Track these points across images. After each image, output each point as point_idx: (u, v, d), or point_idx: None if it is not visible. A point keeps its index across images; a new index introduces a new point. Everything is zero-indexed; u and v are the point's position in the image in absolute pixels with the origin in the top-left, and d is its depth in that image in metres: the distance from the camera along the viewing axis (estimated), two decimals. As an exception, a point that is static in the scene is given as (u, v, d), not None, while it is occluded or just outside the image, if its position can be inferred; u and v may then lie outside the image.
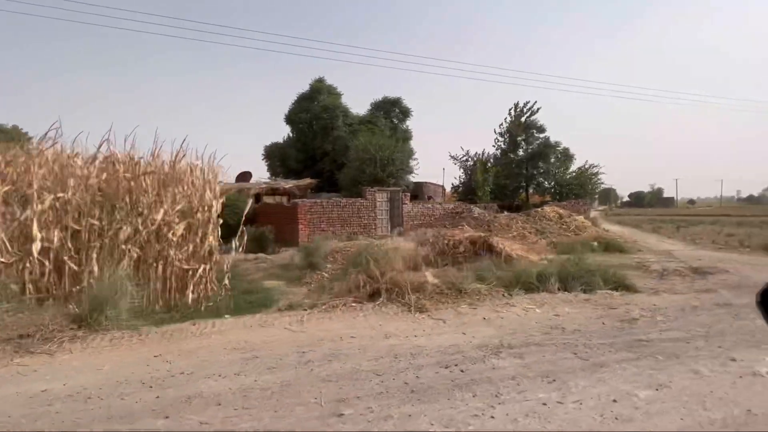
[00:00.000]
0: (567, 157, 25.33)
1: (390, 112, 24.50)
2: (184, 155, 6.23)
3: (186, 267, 6.17)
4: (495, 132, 26.27)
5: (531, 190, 24.65)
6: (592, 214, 50.31)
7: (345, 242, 10.94)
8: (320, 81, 24.65)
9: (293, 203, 12.97)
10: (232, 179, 20.20)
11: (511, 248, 8.58)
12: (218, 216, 7.56)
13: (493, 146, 26.40)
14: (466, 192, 25.04)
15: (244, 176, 20.67)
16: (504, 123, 26.01)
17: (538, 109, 25.50)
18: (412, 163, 27.37)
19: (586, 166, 23.52)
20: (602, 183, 24.29)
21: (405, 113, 25.20)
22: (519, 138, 25.45)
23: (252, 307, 5.71)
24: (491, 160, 25.42)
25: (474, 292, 4.90)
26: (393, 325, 3.94)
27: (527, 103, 25.47)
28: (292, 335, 3.60)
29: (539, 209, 18.51)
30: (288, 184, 16.71)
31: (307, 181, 17.75)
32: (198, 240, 6.45)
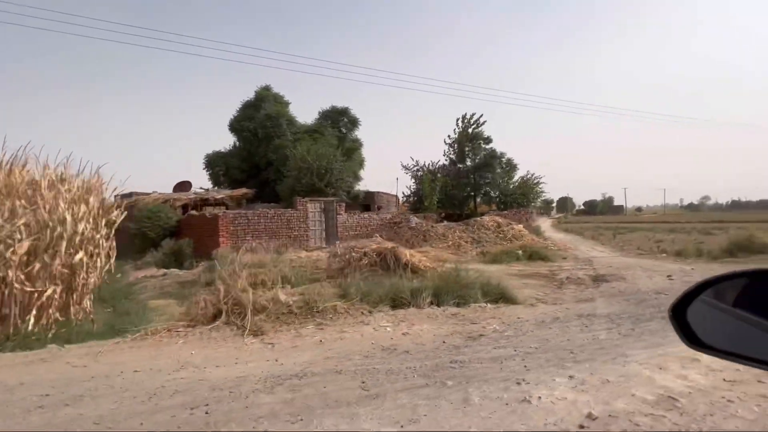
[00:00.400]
0: (511, 167, 26.02)
1: (338, 122, 24.29)
2: (25, 163, 5.60)
3: (29, 289, 5.52)
4: (445, 143, 26.60)
5: (479, 200, 25.02)
6: (546, 221, 52.14)
7: (264, 256, 10.40)
8: (266, 89, 24.13)
9: (213, 215, 12.33)
10: (169, 189, 19.20)
11: (419, 259, 8.41)
12: (109, 228, 6.97)
13: (443, 156, 26.72)
14: (417, 202, 25.11)
15: (183, 186, 19.69)
16: (453, 134, 26.42)
17: (484, 121, 26.14)
18: (362, 172, 27.21)
19: (528, 176, 24.20)
20: (544, 192, 25.06)
21: (353, 123, 25.05)
22: (466, 149, 25.93)
23: (109, 333, 5.14)
24: (440, 171, 25.67)
25: (330, 310, 4.59)
26: (207, 353, 3.54)
27: (473, 114, 26.06)
28: (67, 372, 3.13)
29: (478, 218, 18.77)
30: (220, 194, 15.98)
31: (242, 191, 17.07)
32: (50, 258, 5.81)
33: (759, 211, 58.68)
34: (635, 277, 8.59)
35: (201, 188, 17.88)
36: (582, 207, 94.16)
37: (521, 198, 22.82)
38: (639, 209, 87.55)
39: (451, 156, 26.36)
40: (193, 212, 13.38)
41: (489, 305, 5.42)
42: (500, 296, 5.78)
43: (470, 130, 26.21)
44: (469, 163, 25.65)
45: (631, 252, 14.79)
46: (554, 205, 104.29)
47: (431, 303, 5.21)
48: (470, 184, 25.20)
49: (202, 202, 15.26)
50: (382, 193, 30.19)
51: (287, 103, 24.92)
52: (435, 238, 15.47)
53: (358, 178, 25.46)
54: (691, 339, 0.89)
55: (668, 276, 8.35)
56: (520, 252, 12.77)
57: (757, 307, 0.80)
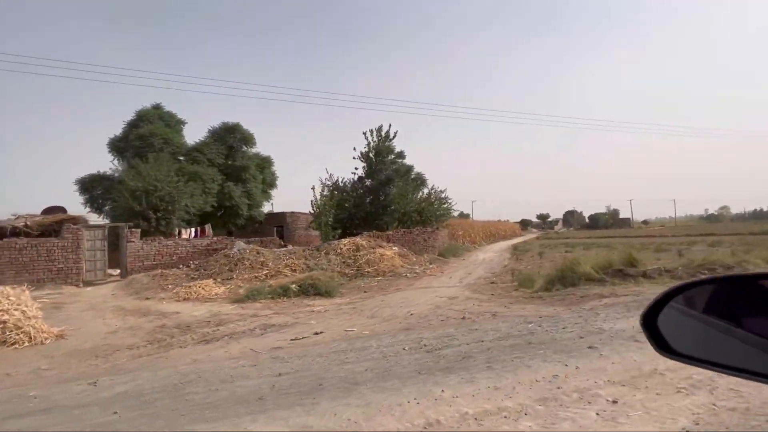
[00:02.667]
0: (422, 182, 23.57)
1: (226, 139, 22.82)
2: None
3: None
4: (358, 157, 24.29)
5: (386, 218, 22.52)
6: (523, 237, 48.36)
7: None
8: (157, 107, 23.06)
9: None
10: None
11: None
12: None
13: (352, 173, 24.54)
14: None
15: (52, 211, 18.50)
16: (367, 148, 24.23)
17: (395, 133, 24.01)
18: (275, 191, 25.31)
19: (431, 193, 21.73)
20: (453, 209, 22.38)
21: (246, 140, 23.52)
22: (378, 164, 23.79)
23: None
24: (349, 187, 23.48)
25: None
26: None
27: (389, 127, 23.92)
28: None
29: (336, 241, 16.51)
30: (27, 219, 14.38)
31: (59, 216, 15.50)
32: None
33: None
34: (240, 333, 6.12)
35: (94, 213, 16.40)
36: (587, 221, 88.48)
37: (416, 216, 20.27)
38: (645, 222, 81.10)
39: (359, 173, 24.17)
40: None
41: None
42: None
43: (386, 144, 24.14)
44: (382, 178, 23.36)
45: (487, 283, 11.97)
46: (558, 219, 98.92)
47: None
48: (375, 201, 22.88)
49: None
50: (299, 213, 28.20)
51: (180, 122, 23.77)
52: (247, 267, 13.29)
53: (255, 199, 23.72)
54: (662, 346, 0.89)
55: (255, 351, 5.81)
56: (293, 286, 10.39)
57: (725, 313, 0.82)
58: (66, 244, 11.90)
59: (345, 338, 5.49)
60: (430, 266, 16.48)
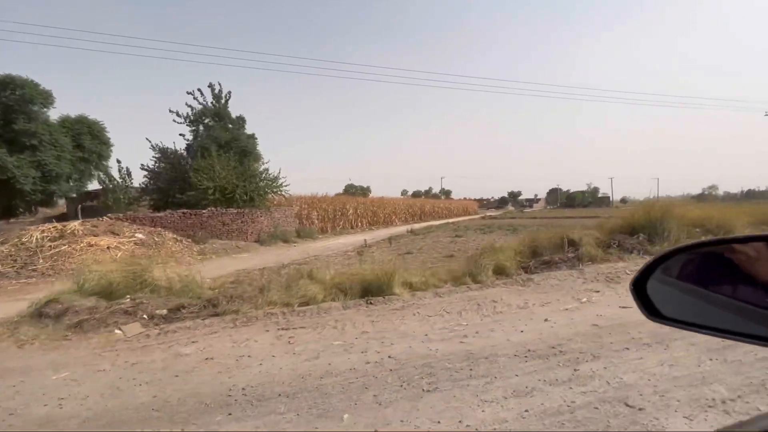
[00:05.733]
0: (249, 154, 18.98)
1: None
2: None
3: None
4: (183, 121, 19.61)
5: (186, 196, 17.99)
6: (477, 215, 43.42)
7: None
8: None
9: None
10: None
11: None
12: None
13: (181, 136, 19.94)
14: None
15: None
16: (191, 110, 19.51)
17: (228, 94, 19.37)
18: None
19: (248, 168, 17.26)
20: (284, 188, 17.94)
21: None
22: (201, 127, 19.25)
23: None
24: (171, 157, 18.97)
25: None
26: None
27: (220, 86, 19.20)
28: None
29: (34, 227, 12.28)
30: None
31: None
32: None
33: None
34: None
35: None
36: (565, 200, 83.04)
37: (214, 195, 15.88)
38: (623, 200, 75.70)
39: (188, 138, 19.64)
40: None
41: None
42: None
43: (217, 106, 19.54)
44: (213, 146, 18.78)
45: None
46: (538, 197, 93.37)
47: None
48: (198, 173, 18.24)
49: None
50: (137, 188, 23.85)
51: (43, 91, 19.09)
52: None
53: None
54: (652, 311, 0.92)
55: None
56: None
57: (706, 279, 0.86)
58: None
59: None
60: (187, 260, 12.25)
